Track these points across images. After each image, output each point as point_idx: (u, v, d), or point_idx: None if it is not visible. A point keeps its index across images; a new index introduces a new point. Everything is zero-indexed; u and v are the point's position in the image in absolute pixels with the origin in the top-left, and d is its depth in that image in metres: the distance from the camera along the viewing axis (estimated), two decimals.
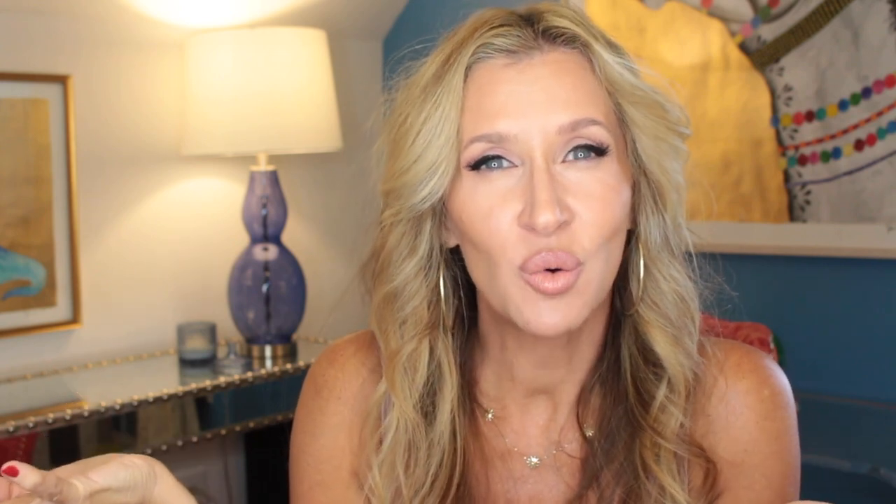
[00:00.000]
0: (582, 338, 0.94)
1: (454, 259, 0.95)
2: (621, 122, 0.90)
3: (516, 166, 0.87)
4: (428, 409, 0.95)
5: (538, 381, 0.96)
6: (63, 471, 0.74)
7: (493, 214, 0.86)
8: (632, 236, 0.94)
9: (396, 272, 0.93)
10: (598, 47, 0.89)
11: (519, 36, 0.88)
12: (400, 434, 0.95)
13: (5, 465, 0.66)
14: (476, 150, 0.87)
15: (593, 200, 0.86)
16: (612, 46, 0.90)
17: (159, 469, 0.77)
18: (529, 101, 0.86)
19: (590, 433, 0.95)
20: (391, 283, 0.94)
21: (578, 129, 0.86)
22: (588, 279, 0.86)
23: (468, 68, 0.88)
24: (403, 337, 0.95)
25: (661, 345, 0.93)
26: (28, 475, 0.67)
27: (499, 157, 0.87)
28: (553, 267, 0.85)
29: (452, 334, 0.96)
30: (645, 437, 0.92)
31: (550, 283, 0.85)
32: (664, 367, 0.93)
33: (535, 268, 0.85)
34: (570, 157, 0.87)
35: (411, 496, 0.93)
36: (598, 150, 0.87)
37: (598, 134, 0.87)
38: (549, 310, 0.86)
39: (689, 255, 0.95)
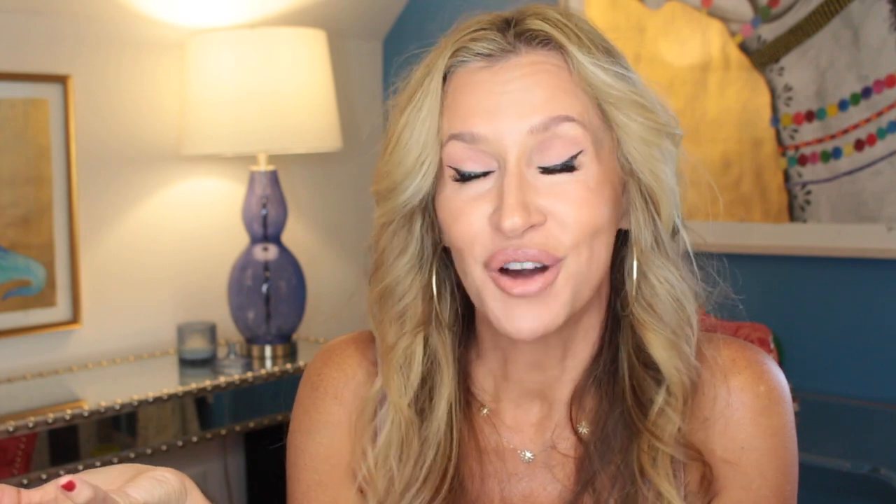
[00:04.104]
0: (577, 337, 0.95)
1: (451, 259, 0.96)
2: (605, 123, 0.90)
3: (493, 171, 0.88)
4: (424, 405, 0.96)
5: (531, 383, 0.96)
6: (97, 483, 0.73)
7: (466, 213, 0.88)
8: (628, 237, 0.94)
9: (389, 270, 0.95)
10: (573, 48, 0.88)
11: (494, 40, 0.89)
12: (393, 431, 0.95)
13: (64, 480, 0.66)
14: (453, 149, 0.88)
15: (570, 200, 0.86)
16: (597, 48, 0.89)
17: (189, 484, 0.77)
18: (502, 103, 0.87)
19: (584, 433, 0.95)
20: (384, 280, 0.95)
21: (551, 128, 0.86)
22: (567, 276, 0.87)
23: (448, 73, 0.90)
24: (398, 333, 0.96)
25: (656, 348, 0.92)
26: (83, 491, 0.67)
27: (476, 168, 0.87)
28: (518, 260, 0.85)
29: (452, 332, 0.97)
30: (642, 441, 0.91)
31: (520, 287, 0.86)
32: (661, 370, 0.92)
33: (498, 263, 0.86)
34: (544, 165, 0.87)
35: (402, 489, 0.94)
36: (570, 167, 0.87)
37: (571, 132, 0.87)
38: (524, 313, 0.87)
39: (690, 259, 0.95)
